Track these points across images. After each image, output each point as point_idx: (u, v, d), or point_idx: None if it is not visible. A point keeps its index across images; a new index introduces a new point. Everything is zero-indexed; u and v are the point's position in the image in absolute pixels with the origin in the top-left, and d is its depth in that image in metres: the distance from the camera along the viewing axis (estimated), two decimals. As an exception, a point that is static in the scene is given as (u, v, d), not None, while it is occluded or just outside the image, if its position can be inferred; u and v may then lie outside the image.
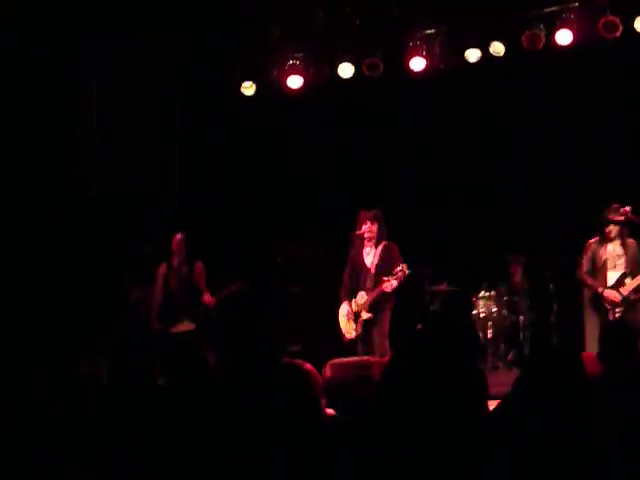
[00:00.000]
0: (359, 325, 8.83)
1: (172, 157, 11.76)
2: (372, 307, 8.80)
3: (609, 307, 8.63)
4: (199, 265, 9.26)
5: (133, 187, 10.92)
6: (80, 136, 10.73)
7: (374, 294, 8.76)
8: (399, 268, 8.62)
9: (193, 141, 11.85)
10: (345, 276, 9.16)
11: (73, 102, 10.67)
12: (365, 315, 8.80)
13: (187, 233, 9.32)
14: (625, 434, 3.16)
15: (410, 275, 8.76)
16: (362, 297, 8.83)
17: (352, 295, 8.93)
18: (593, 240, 8.91)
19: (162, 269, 9.24)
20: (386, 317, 8.85)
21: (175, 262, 9.18)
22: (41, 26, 10.04)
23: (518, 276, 10.85)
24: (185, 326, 9.08)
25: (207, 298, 9.07)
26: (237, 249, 11.50)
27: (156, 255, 9.36)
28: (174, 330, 9.08)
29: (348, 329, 8.94)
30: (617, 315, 8.55)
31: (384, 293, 8.73)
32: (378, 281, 8.79)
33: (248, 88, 11.46)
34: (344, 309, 9.04)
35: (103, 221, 10.70)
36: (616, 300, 8.57)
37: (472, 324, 10.16)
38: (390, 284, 8.62)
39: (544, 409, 2.79)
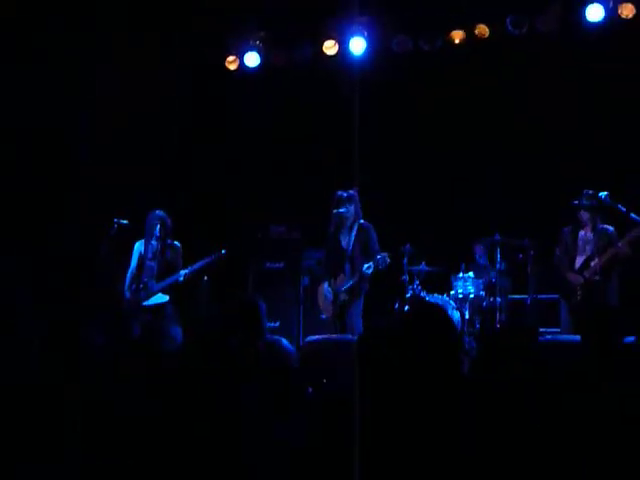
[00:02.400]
0: (337, 306, 8.86)
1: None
2: (349, 291, 8.83)
3: (572, 288, 8.73)
4: (178, 247, 9.25)
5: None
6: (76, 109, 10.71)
7: (354, 280, 8.77)
8: (380, 257, 8.59)
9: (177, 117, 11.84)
10: (324, 256, 9.20)
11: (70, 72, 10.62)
12: (343, 297, 8.82)
13: (166, 212, 9.29)
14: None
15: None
16: (342, 280, 8.86)
17: (332, 275, 8.94)
18: (567, 227, 8.99)
19: (139, 245, 9.22)
20: (362, 299, 8.89)
21: (153, 241, 9.15)
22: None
23: (482, 258, 11.03)
24: (159, 298, 9.10)
25: (182, 273, 9.07)
26: (217, 226, 11.54)
27: (134, 229, 9.33)
28: (147, 303, 9.09)
29: (326, 308, 8.98)
30: (579, 298, 8.62)
31: (363, 278, 8.77)
32: (355, 264, 8.81)
33: (232, 62, 11.49)
34: (323, 289, 9.08)
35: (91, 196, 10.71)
36: (578, 282, 8.66)
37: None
38: (368, 271, 8.65)
39: (500, 386, 2.82)
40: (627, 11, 9.63)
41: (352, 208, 8.86)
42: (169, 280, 9.09)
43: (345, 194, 8.86)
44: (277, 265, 11.48)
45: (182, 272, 9.06)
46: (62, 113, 10.61)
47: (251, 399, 3.32)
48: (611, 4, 9.65)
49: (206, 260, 9.19)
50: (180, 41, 11.35)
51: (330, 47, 11.10)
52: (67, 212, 10.69)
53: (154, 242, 9.15)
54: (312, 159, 11.80)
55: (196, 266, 9.18)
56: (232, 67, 11.58)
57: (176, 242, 9.26)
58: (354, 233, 8.91)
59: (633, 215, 8.80)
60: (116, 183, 10.67)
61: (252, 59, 11.40)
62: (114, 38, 10.61)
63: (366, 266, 8.59)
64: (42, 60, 10.13)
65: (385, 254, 8.58)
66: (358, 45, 10.89)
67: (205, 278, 12.06)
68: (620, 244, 8.56)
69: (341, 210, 8.83)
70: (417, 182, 11.42)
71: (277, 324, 10.40)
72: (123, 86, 10.74)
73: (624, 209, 8.82)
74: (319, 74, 11.44)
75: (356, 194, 8.91)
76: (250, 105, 11.96)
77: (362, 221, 8.95)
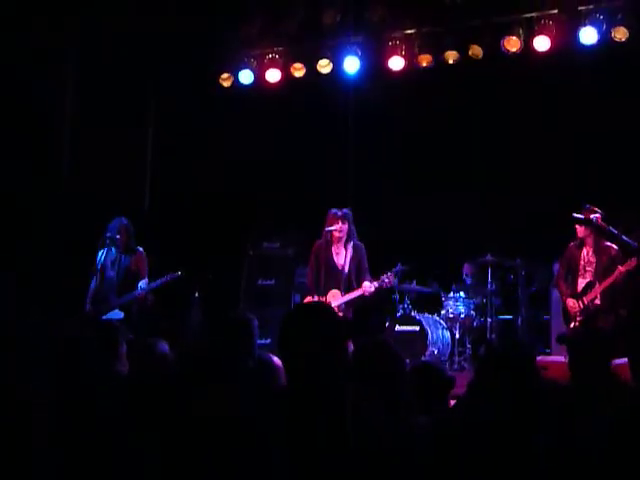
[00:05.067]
0: None
1: (145, 148, 11.74)
2: (343, 308, 8.81)
3: (571, 315, 8.67)
4: (140, 252, 9.19)
5: (103, 179, 10.90)
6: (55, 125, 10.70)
7: (353, 296, 8.78)
8: (386, 276, 8.66)
9: (167, 132, 11.83)
10: (310, 272, 9.13)
11: (48, 90, 10.62)
12: (339, 314, 8.75)
13: (129, 221, 9.23)
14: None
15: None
16: (334, 296, 8.80)
17: (321, 292, 8.88)
18: (573, 244, 8.88)
19: (100, 255, 9.13)
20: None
21: (113, 250, 9.10)
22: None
23: (470, 278, 11.06)
24: (114, 314, 8.98)
25: (141, 286, 8.97)
26: (210, 242, 11.54)
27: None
28: (105, 318, 8.97)
29: None
30: (577, 324, 8.56)
31: (362, 296, 8.78)
32: (350, 282, 8.82)
33: (226, 80, 11.50)
34: None
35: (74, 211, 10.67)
36: (575, 309, 8.61)
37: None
38: (369, 290, 8.68)
39: (494, 412, 2.81)
40: (620, 34, 9.67)
41: (345, 226, 8.87)
42: (127, 297, 8.98)
43: (339, 212, 8.88)
44: (268, 282, 11.48)
45: (140, 287, 8.98)
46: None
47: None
48: (604, 27, 9.69)
49: (163, 280, 9.07)
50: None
51: (324, 66, 11.10)
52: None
53: (114, 251, 9.11)
54: (306, 177, 11.83)
55: (153, 285, 9.04)
56: (226, 84, 11.59)
57: (139, 248, 9.21)
58: (349, 253, 8.93)
59: (625, 237, 8.79)
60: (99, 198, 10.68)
61: (246, 76, 11.41)
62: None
63: (369, 285, 8.67)
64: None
65: (391, 275, 8.66)
66: (352, 64, 10.91)
67: (196, 295, 12.08)
68: (618, 272, 8.42)
69: (332, 228, 8.85)
70: (409, 201, 11.45)
71: (268, 341, 10.33)
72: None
73: (616, 231, 8.81)
74: (313, 92, 11.48)
75: (350, 212, 8.93)
76: (243, 123, 11.99)
77: (356, 241, 8.98)
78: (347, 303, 8.80)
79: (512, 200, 11.00)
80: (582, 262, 8.72)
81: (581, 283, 8.71)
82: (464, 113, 11.30)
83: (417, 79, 10.90)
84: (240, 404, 3.18)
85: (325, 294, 8.82)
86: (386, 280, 8.68)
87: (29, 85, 10.26)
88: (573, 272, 8.79)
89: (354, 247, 8.94)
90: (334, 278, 8.90)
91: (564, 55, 10.06)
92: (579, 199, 8.94)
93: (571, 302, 8.66)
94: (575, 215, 8.64)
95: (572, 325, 8.63)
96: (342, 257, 8.94)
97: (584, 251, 8.75)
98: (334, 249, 8.98)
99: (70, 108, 10.73)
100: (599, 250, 8.64)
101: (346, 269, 8.87)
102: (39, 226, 10.42)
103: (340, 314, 8.69)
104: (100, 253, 9.10)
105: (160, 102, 11.86)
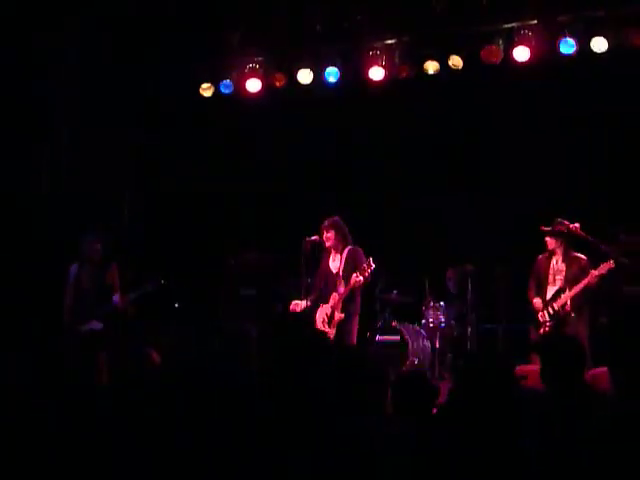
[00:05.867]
0: (333, 327, 8.92)
1: (126, 157, 11.70)
2: (343, 308, 8.91)
3: (540, 320, 8.80)
4: (113, 266, 9.23)
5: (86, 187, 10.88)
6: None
7: (344, 292, 8.92)
8: (365, 263, 8.77)
9: (149, 141, 11.80)
10: (314, 282, 9.30)
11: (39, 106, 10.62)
12: (338, 315, 8.90)
13: (100, 234, 9.28)
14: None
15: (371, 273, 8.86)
16: (334, 298, 8.99)
17: (323, 300, 9.10)
18: (541, 256, 9.03)
19: (74, 268, 9.17)
20: (354, 322, 9.00)
21: (87, 264, 9.12)
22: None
23: (452, 288, 11.05)
24: (93, 325, 9.02)
25: (117, 299, 9.05)
26: (190, 251, 11.50)
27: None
28: (83, 329, 9.01)
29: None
30: (547, 329, 8.70)
31: (352, 289, 8.88)
32: (346, 283, 8.95)
33: (207, 90, 11.48)
34: (320, 314, 9.13)
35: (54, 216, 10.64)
36: (544, 317, 8.74)
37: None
38: (357, 280, 8.76)
39: (473, 421, 2.81)
40: (599, 45, 9.71)
41: (331, 234, 9.00)
42: (104, 308, 9.07)
43: (325, 222, 9.02)
44: (250, 291, 11.44)
45: (115, 298, 9.07)
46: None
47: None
48: (584, 38, 9.74)
49: (144, 289, 9.18)
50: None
51: (305, 76, 11.08)
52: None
53: (89, 265, 9.11)
54: (291, 185, 11.82)
55: (132, 295, 9.17)
56: (207, 94, 11.57)
57: (112, 262, 9.27)
58: (344, 257, 9.09)
59: (603, 247, 8.87)
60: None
61: (226, 86, 11.40)
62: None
63: (355, 276, 8.77)
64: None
65: (369, 259, 8.69)
66: (333, 74, 10.90)
67: (176, 305, 12.05)
68: (591, 276, 8.57)
69: (315, 238, 8.96)
70: (390, 211, 11.46)
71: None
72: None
73: (593, 240, 8.89)
74: (294, 102, 11.47)
75: (336, 219, 9.04)
76: (227, 131, 11.98)
77: (352, 246, 9.14)
78: (342, 303, 8.93)
79: (493, 210, 11.04)
80: (551, 271, 8.92)
81: (550, 291, 8.88)
82: (443, 123, 11.34)
83: (397, 89, 10.91)
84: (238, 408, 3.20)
85: (327, 300, 9.01)
86: (366, 267, 8.74)
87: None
88: (542, 282, 8.99)
89: (349, 252, 9.12)
90: (332, 283, 9.11)
91: (544, 65, 10.10)
92: (559, 209, 9.02)
93: (539, 307, 8.82)
94: (545, 228, 8.79)
95: (541, 331, 8.77)
96: (337, 262, 9.13)
97: (553, 260, 8.94)
98: (331, 256, 9.21)
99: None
100: (569, 260, 8.84)
101: (340, 273, 9.05)
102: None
103: (341, 315, 8.86)
104: (73, 267, 9.13)
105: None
